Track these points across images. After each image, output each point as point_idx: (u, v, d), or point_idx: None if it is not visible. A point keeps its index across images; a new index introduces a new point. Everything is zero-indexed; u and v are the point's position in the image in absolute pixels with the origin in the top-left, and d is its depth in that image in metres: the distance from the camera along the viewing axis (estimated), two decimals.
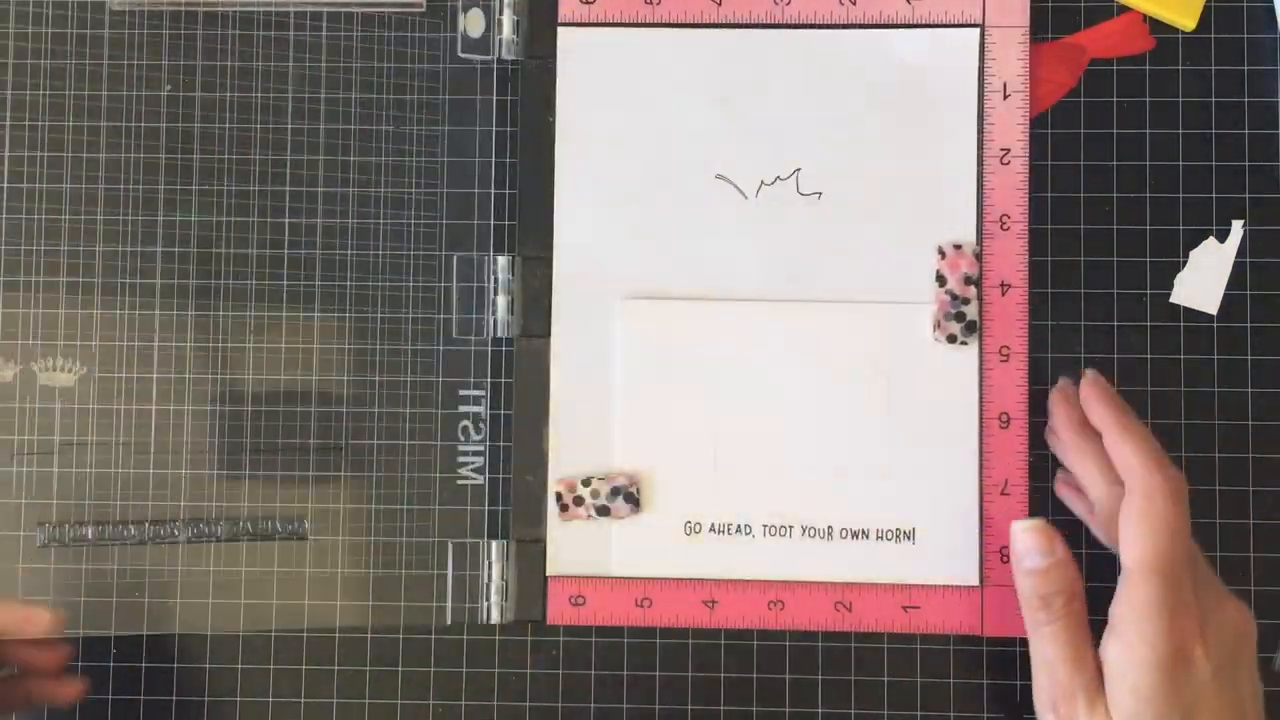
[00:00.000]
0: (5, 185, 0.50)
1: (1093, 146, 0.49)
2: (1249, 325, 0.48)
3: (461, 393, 0.49)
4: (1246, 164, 0.49)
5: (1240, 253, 0.48)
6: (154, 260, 0.49)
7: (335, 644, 0.48)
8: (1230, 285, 0.48)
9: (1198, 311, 0.48)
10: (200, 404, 0.49)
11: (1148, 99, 0.49)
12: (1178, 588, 0.40)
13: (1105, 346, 0.48)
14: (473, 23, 0.49)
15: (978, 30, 0.48)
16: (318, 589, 0.48)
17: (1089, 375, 0.45)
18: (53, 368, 0.49)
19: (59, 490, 0.48)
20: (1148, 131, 0.49)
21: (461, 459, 0.49)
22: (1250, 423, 0.48)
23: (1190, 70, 0.49)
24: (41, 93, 0.50)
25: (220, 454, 0.49)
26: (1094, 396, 0.44)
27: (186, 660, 0.49)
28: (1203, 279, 0.48)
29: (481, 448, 0.49)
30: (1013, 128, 0.48)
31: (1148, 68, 0.49)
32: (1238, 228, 0.48)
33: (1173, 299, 0.48)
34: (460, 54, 0.49)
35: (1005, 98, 0.48)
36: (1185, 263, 0.48)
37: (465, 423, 0.49)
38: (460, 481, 0.49)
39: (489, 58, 0.49)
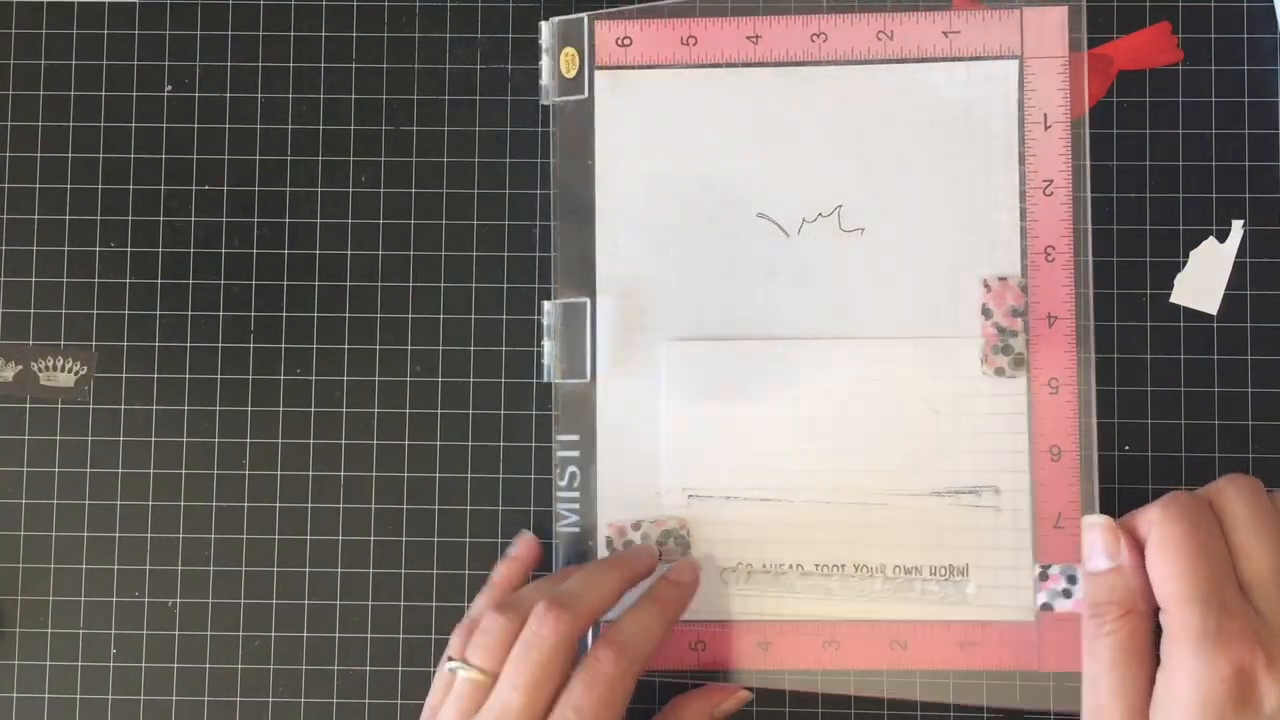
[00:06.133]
0: (6, 185, 0.50)
1: (1093, 146, 0.48)
2: (1249, 325, 0.48)
3: (560, 438, 0.49)
4: (1246, 164, 0.48)
5: (1240, 253, 0.48)
6: (155, 261, 0.49)
7: (335, 644, 0.48)
8: (1230, 285, 0.48)
9: (1198, 311, 0.48)
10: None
11: (1147, 99, 0.49)
12: (1222, 612, 0.37)
13: (1105, 346, 0.48)
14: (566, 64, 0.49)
15: (1016, 62, 0.48)
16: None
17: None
18: (53, 368, 0.49)
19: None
20: (1148, 131, 0.48)
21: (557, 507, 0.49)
22: (1250, 423, 0.48)
23: (1190, 70, 0.49)
24: (41, 92, 0.50)
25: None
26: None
27: (187, 660, 0.49)
28: (1203, 279, 0.48)
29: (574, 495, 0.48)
30: (1055, 158, 0.48)
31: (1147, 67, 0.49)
32: (1238, 228, 0.48)
33: (1173, 299, 0.48)
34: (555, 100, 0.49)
35: (1046, 128, 0.48)
36: (1185, 263, 0.48)
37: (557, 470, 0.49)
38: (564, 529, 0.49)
39: (581, 97, 0.49)
